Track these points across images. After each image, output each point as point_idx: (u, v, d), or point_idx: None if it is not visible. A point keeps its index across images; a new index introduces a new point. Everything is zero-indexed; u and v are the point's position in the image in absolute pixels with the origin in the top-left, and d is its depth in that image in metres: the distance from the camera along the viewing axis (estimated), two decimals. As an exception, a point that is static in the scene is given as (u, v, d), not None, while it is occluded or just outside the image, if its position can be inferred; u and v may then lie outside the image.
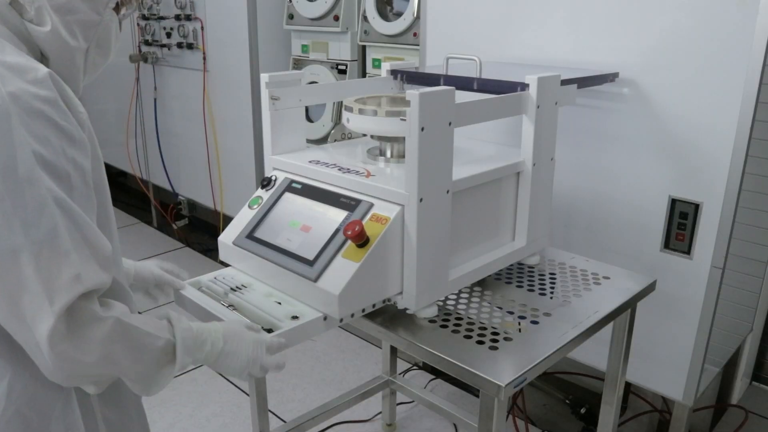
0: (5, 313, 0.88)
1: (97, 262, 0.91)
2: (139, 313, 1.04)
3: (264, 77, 1.52)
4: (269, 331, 1.23)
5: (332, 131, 3.28)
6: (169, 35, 3.77)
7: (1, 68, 0.87)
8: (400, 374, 2.61)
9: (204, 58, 3.58)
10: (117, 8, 1.04)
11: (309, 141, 2.84)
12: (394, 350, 2.44)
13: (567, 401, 2.47)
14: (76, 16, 0.97)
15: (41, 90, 0.88)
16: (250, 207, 1.52)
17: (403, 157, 1.34)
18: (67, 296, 0.86)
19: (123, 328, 0.93)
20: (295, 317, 1.30)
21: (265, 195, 1.52)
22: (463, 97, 1.37)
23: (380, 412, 2.54)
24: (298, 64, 3.44)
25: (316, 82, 3.23)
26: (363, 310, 1.34)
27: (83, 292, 0.88)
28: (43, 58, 0.98)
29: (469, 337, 1.34)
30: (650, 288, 1.63)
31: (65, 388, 1.00)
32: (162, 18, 3.78)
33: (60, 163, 0.89)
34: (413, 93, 1.21)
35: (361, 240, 1.27)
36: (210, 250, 4.08)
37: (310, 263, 1.32)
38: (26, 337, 0.88)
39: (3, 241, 0.85)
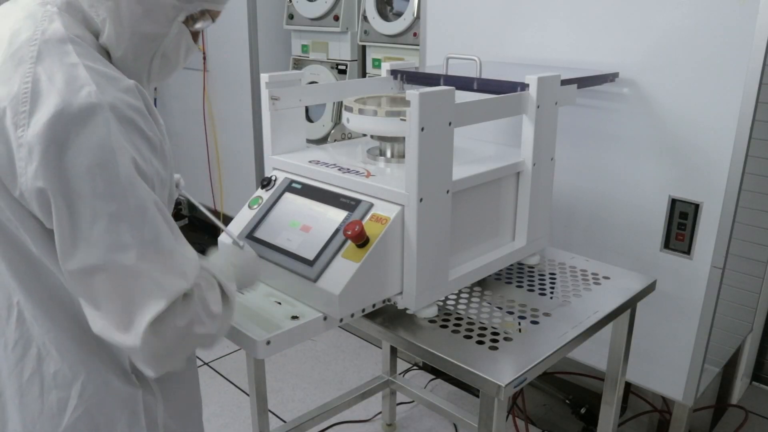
0: (110, 318, 0.90)
1: (193, 255, 0.96)
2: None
3: (264, 77, 1.52)
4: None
5: (332, 131, 3.28)
6: (169, 35, 3.77)
7: (95, 75, 0.88)
8: (400, 374, 2.61)
9: (204, 58, 3.58)
10: (188, 21, 1.02)
11: (309, 141, 2.84)
12: (394, 350, 2.44)
13: (567, 401, 2.47)
14: (138, 29, 0.97)
15: (132, 99, 0.90)
16: (250, 207, 1.52)
17: (403, 157, 1.33)
18: (176, 291, 0.90)
19: (198, 291, 0.96)
20: (295, 317, 1.29)
21: (265, 195, 1.52)
22: (463, 97, 1.37)
23: (380, 412, 2.54)
24: (298, 64, 3.44)
25: (316, 82, 3.23)
26: (363, 310, 1.34)
27: (187, 288, 0.92)
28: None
29: (469, 337, 1.34)
30: (650, 288, 1.63)
31: (134, 398, 1.03)
32: (162, 18, 3.77)
33: (149, 171, 0.91)
34: (413, 93, 1.21)
35: (361, 240, 1.27)
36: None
37: (310, 263, 1.32)
38: (120, 329, 0.90)
39: (114, 246, 0.86)
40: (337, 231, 1.34)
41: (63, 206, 0.85)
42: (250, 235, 1.46)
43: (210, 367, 2.91)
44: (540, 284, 1.59)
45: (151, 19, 0.97)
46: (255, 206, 1.51)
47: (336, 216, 1.37)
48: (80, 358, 0.99)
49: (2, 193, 0.91)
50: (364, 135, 1.64)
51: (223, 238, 1.51)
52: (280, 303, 1.36)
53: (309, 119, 3.39)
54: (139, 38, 0.98)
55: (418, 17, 2.75)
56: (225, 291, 1.02)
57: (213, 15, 1.06)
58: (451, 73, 1.74)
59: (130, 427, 1.03)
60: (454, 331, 1.36)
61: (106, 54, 0.98)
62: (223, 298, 1.01)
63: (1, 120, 0.87)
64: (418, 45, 2.64)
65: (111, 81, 0.89)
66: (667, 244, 1.88)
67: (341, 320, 1.30)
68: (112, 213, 0.86)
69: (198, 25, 1.04)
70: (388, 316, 1.40)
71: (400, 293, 1.37)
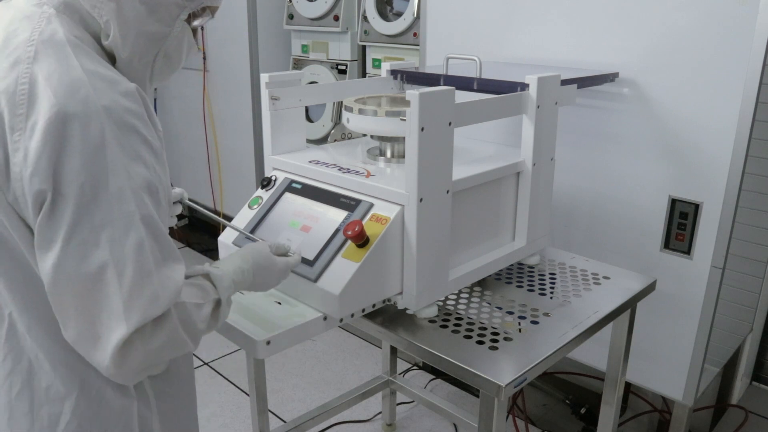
0: (79, 329, 0.87)
1: (174, 280, 0.90)
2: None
3: (264, 77, 1.52)
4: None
5: (332, 131, 3.28)
6: (169, 35, 3.77)
7: (95, 79, 0.86)
8: (400, 374, 2.61)
9: (204, 58, 3.58)
10: (189, 18, 1.01)
11: (309, 141, 2.84)
12: (394, 350, 2.44)
13: (567, 401, 2.47)
14: (142, 29, 0.95)
15: (131, 103, 0.88)
16: (250, 207, 1.52)
17: (403, 157, 1.34)
18: (144, 316, 0.86)
19: (181, 312, 0.92)
20: (295, 317, 1.29)
21: (265, 195, 1.52)
22: (463, 97, 1.37)
23: (380, 412, 2.54)
24: (298, 64, 3.44)
25: (316, 82, 3.23)
26: (363, 310, 1.34)
27: (158, 315, 0.87)
28: (114, 65, 0.98)
29: (469, 337, 1.34)
30: (650, 288, 1.63)
31: (129, 410, 1.00)
32: (162, 18, 3.77)
33: (152, 178, 0.89)
34: (413, 93, 1.21)
35: (361, 240, 1.27)
36: (210, 250, 4.08)
37: (310, 263, 1.32)
38: (90, 346, 0.87)
39: (89, 255, 0.84)
40: (337, 231, 1.34)
41: (49, 206, 0.83)
42: (250, 235, 1.46)
43: (210, 367, 2.91)
44: (540, 284, 1.59)
45: (155, 18, 0.96)
46: (255, 206, 1.51)
47: (336, 216, 1.37)
48: (75, 371, 0.96)
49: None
50: (364, 135, 1.64)
51: (222, 239, 1.51)
52: (280, 303, 1.36)
53: (309, 119, 3.39)
54: (144, 39, 0.96)
55: (418, 17, 2.76)
56: (219, 306, 0.99)
57: (212, 10, 1.05)
58: (451, 73, 1.74)
59: None
60: (454, 331, 1.36)
61: (107, 56, 0.97)
62: (215, 310, 0.99)
63: (0, 124, 0.85)
64: (418, 45, 2.64)
65: (111, 84, 0.88)
66: (667, 244, 1.88)
67: (341, 320, 1.30)
68: (94, 223, 0.84)
69: (197, 22, 1.03)
70: (388, 316, 1.40)
71: (400, 293, 1.37)
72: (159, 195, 0.91)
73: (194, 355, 2.94)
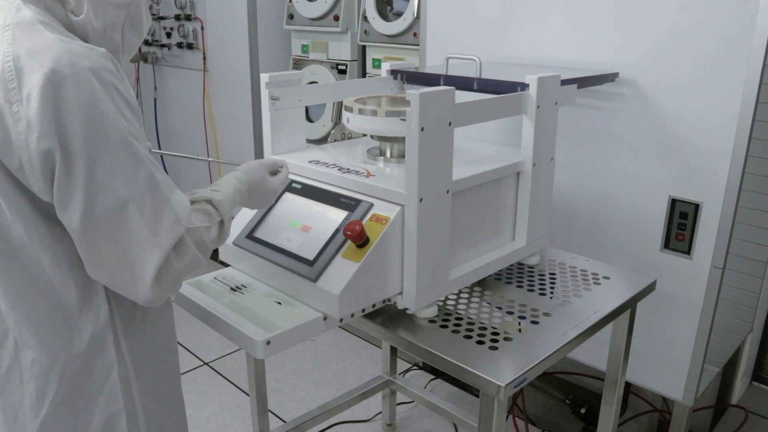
0: (113, 267, 0.97)
1: (185, 201, 1.03)
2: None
3: (264, 77, 1.52)
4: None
5: (332, 131, 3.28)
6: (169, 35, 3.78)
7: (72, 46, 0.94)
8: (400, 374, 2.61)
9: (204, 58, 3.58)
10: None
11: (309, 141, 2.85)
12: (394, 350, 2.44)
13: (567, 401, 2.47)
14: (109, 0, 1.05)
15: (108, 63, 0.97)
16: (250, 207, 1.52)
17: (403, 157, 1.34)
18: (172, 238, 0.98)
19: (192, 235, 1.04)
20: (295, 317, 1.29)
21: (265, 195, 1.52)
22: (463, 97, 1.37)
23: (380, 412, 2.54)
24: (298, 64, 3.44)
25: (316, 82, 3.23)
26: (363, 310, 1.34)
27: (182, 233, 1.00)
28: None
29: (469, 337, 1.34)
30: (650, 288, 1.63)
31: (110, 377, 1.07)
32: (162, 18, 3.78)
33: (132, 130, 0.98)
34: (413, 93, 1.21)
35: (361, 240, 1.27)
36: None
37: (310, 263, 1.32)
38: (127, 281, 0.98)
39: (109, 198, 0.93)
40: (337, 231, 1.34)
41: (62, 164, 0.91)
42: (250, 235, 1.46)
43: (210, 367, 2.91)
44: (540, 284, 1.59)
45: None
46: (255, 206, 1.51)
47: (336, 216, 1.37)
48: (60, 342, 1.02)
49: None
50: (364, 135, 1.64)
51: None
52: (280, 303, 1.36)
53: (309, 119, 3.39)
54: (113, 9, 1.06)
55: (418, 17, 2.76)
56: (224, 225, 1.11)
57: None
58: (451, 73, 1.74)
59: (109, 406, 1.06)
60: (454, 331, 1.36)
61: (76, 37, 1.03)
62: (220, 230, 1.11)
63: None
64: (418, 45, 2.64)
65: (86, 49, 0.96)
66: (667, 244, 1.88)
67: (341, 320, 1.30)
68: (106, 169, 0.93)
69: None
70: (388, 316, 1.40)
71: (400, 293, 1.37)
72: (139, 143, 0.99)
73: (194, 355, 2.96)
